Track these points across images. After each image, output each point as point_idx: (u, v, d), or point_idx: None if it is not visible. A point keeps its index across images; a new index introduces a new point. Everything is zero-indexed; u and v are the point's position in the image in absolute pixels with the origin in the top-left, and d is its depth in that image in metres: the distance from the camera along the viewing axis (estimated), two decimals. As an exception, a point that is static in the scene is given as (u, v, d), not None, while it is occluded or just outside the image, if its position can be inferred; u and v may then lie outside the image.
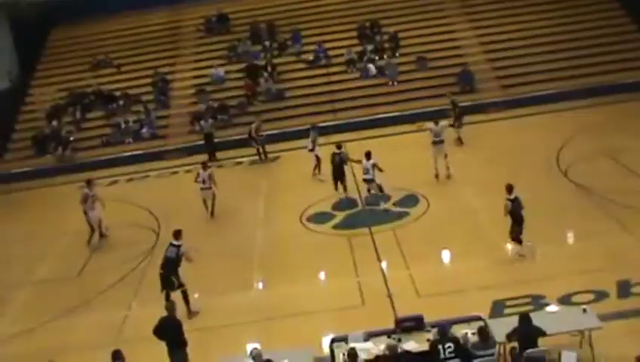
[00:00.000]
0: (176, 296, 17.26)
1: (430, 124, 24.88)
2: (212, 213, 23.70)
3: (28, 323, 18.70)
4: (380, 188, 22.79)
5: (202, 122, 31.59)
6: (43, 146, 32.44)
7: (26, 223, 25.91)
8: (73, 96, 34.98)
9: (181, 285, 17.48)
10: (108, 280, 20.33)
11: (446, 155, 24.18)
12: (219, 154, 30.19)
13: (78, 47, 38.42)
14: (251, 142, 29.31)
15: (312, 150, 26.27)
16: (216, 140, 30.70)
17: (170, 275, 17.41)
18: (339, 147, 24.16)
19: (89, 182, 23.10)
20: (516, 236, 18.26)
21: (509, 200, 18.09)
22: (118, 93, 34.63)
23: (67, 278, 21.06)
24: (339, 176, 23.77)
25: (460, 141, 27.37)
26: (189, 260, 17.63)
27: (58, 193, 28.71)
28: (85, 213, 22.56)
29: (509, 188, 18.17)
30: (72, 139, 32.50)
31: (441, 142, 24.13)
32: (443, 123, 24.83)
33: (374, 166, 22.62)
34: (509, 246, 18.50)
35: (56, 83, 36.40)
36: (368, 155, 22.67)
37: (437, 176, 24.14)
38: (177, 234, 17.73)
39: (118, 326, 17.77)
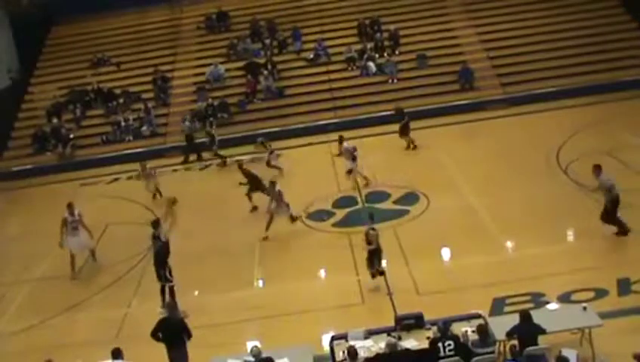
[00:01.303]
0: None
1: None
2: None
3: (28, 320, 18.71)
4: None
5: (183, 123, 31.65)
6: (43, 144, 32.44)
7: (26, 221, 25.92)
8: (73, 93, 34.98)
9: (168, 280, 17.50)
10: (108, 277, 20.35)
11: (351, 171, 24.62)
12: (219, 152, 30.08)
13: (78, 45, 38.37)
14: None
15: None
16: (218, 138, 30.42)
17: (157, 269, 17.55)
18: (240, 166, 24.40)
19: (69, 206, 20.94)
20: (376, 270, 17.48)
21: (372, 228, 17.55)
22: (118, 91, 34.64)
23: (67, 276, 20.96)
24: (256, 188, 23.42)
25: (413, 145, 27.49)
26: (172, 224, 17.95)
27: (58, 191, 28.68)
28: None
29: (370, 216, 18.12)
30: (72, 136, 32.48)
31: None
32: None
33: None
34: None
35: (57, 81, 36.37)
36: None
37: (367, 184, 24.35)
38: (155, 224, 17.98)
39: (118, 324, 17.76)
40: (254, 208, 23.37)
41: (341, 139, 25.93)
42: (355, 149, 24.61)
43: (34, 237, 23.58)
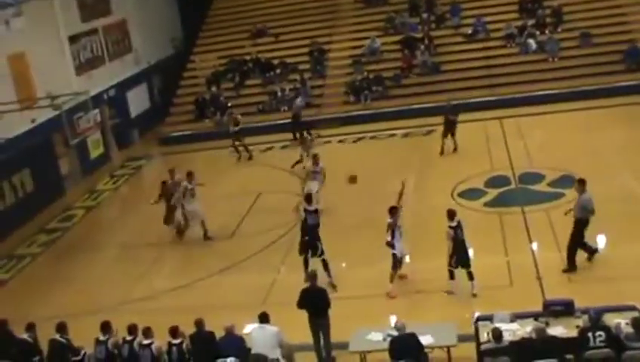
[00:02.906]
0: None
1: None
2: None
3: (181, 280, 19.53)
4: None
5: (295, 101, 31.67)
6: (202, 111, 33.51)
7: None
8: (232, 63, 35.91)
9: (323, 252, 17.78)
10: (258, 243, 20.81)
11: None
12: (371, 126, 30.05)
13: (238, 16, 39.32)
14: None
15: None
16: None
17: (316, 241, 17.77)
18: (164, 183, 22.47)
19: (189, 175, 21.87)
20: (465, 265, 16.60)
21: (450, 227, 16.48)
22: (275, 62, 35.26)
23: (220, 239, 21.73)
24: None
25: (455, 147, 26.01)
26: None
27: (213, 157, 29.62)
28: (182, 206, 21.63)
29: (451, 214, 16.62)
30: (229, 105, 33.38)
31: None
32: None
33: None
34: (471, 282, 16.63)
35: (217, 50, 37.43)
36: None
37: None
38: (308, 199, 18.40)
39: (266, 289, 18.19)
40: (179, 232, 22.17)
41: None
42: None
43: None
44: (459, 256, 16.60)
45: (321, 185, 22.14)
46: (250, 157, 28.88)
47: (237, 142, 29.09)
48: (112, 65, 33.28)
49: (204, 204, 22.01)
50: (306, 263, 17.93)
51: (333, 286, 17.41)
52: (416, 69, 33.36)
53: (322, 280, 16.29)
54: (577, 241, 16.95)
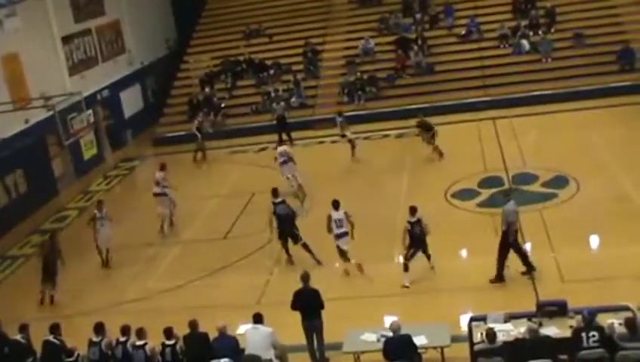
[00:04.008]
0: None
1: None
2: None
3: (175, 280, 19.48)
4: None
5: (274, 104, 31.94)
6: (196, 112, 33.44)
7: (176, 185, 26.77)
8: (226, 64, 35.85)
9: (301, 238, 18.96)
10: (252, 244, 20.77)
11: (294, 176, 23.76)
12: (367, 126, 30.05)
13: (232, 17, 39.32)
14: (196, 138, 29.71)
15: (343, 136, 26.74)
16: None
17: (294, 230, 19.03)
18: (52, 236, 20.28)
19: (99, 203, 21.37)
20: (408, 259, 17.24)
21: (409, 222, 17.07)
22: (269, 62, 35.22)
23: (214, 240, 21.74)
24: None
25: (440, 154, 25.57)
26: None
27: (209, 158, 29.56)
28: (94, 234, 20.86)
29: (412, 210, 17.12)
30: (223, 105, 33.35)
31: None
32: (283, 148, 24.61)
33: None
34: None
35: (211, 51, 37.39)
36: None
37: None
38: (275, 193, 19.56)
39: (260, 290, 18.18)
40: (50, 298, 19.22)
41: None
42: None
43: (183, 202, 24.28)
44: (415, 251, 17.23)
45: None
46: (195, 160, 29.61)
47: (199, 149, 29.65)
48: (106, 65, 33.22)
49: (197, 205, 21.96)
50: (286, 250, 19.15)
51: (319, 263, 18.57)
52: (409, 70, 33.37)
53: (315, 279, 16.29)
54: (502, 253, 16.86)
